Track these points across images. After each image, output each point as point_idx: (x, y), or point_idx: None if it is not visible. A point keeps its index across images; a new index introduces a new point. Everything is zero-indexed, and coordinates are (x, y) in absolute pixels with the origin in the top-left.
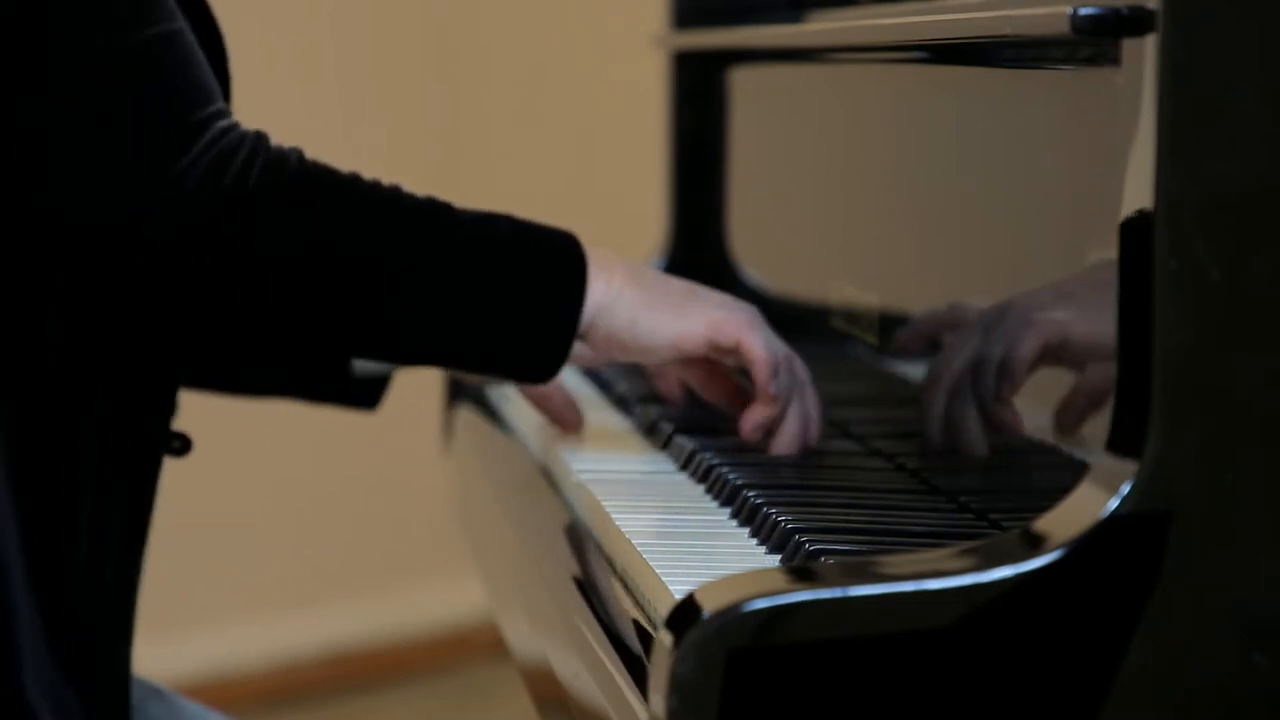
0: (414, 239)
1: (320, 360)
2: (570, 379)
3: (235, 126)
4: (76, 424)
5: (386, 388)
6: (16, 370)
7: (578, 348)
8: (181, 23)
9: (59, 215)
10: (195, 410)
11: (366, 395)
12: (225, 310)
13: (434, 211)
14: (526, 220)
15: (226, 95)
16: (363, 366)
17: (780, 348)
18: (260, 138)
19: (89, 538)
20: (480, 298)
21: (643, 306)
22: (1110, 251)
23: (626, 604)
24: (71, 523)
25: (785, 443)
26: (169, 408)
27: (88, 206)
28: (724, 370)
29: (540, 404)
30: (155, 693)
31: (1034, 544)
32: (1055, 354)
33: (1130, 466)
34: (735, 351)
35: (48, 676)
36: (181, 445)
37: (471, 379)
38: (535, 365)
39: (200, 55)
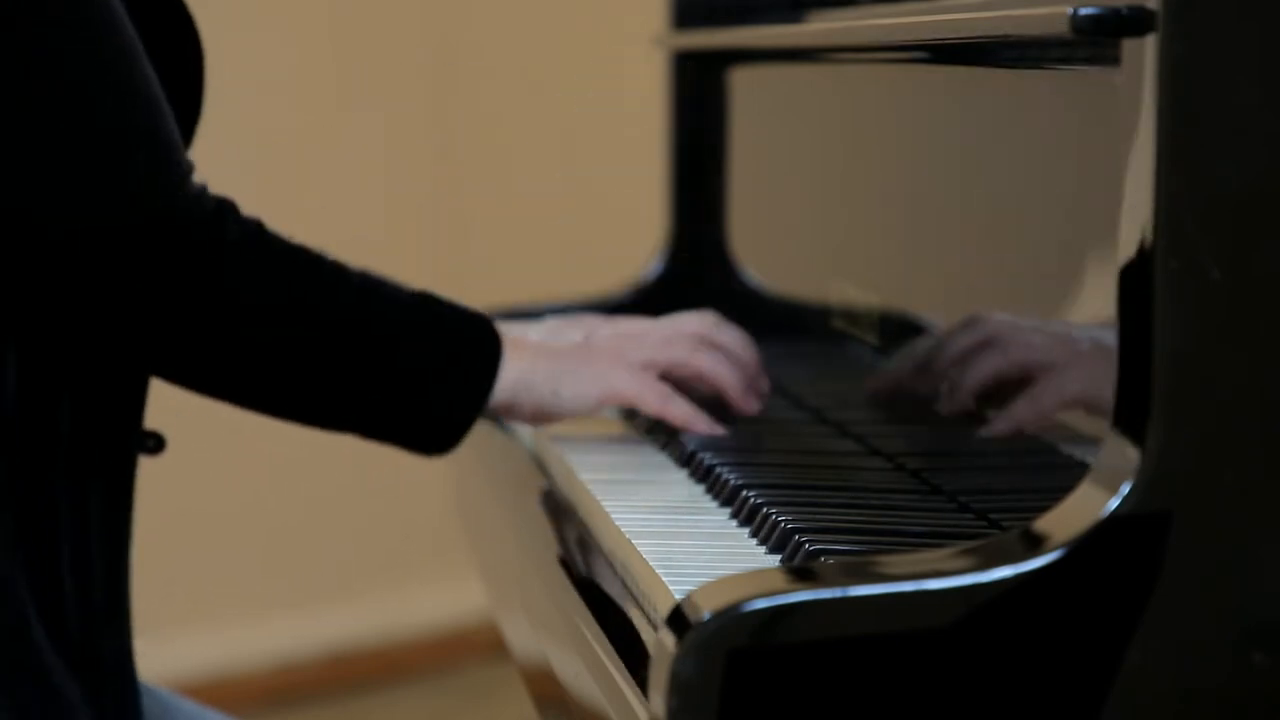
0: (354, 310)
1: (248, 408)
2: None
3: (202, 180)
4: (45, 430)
5: None
6: None
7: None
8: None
9: (37, 222)
10: (195, 410)
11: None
12: (177, 345)
13: (375, 287)
14: (455, 305)
15: (199, 110)
16: None
17: (678, 405)
18: (229, 200)
19: (70, 538)
20: (398, 373)
21: (560, 376)
22: (1110, 252)
23: (626, 604)
24: (53, 523)
25: (737, 403)
26: (136, 410)
27: (72, 218)
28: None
29: None
30: (157, 695)
31: (1034, 544)
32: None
33: (1130, 466)
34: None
35: (51, 665)
36: (155, 444)
37: None
38: (434, 441)
39: (163, 97)
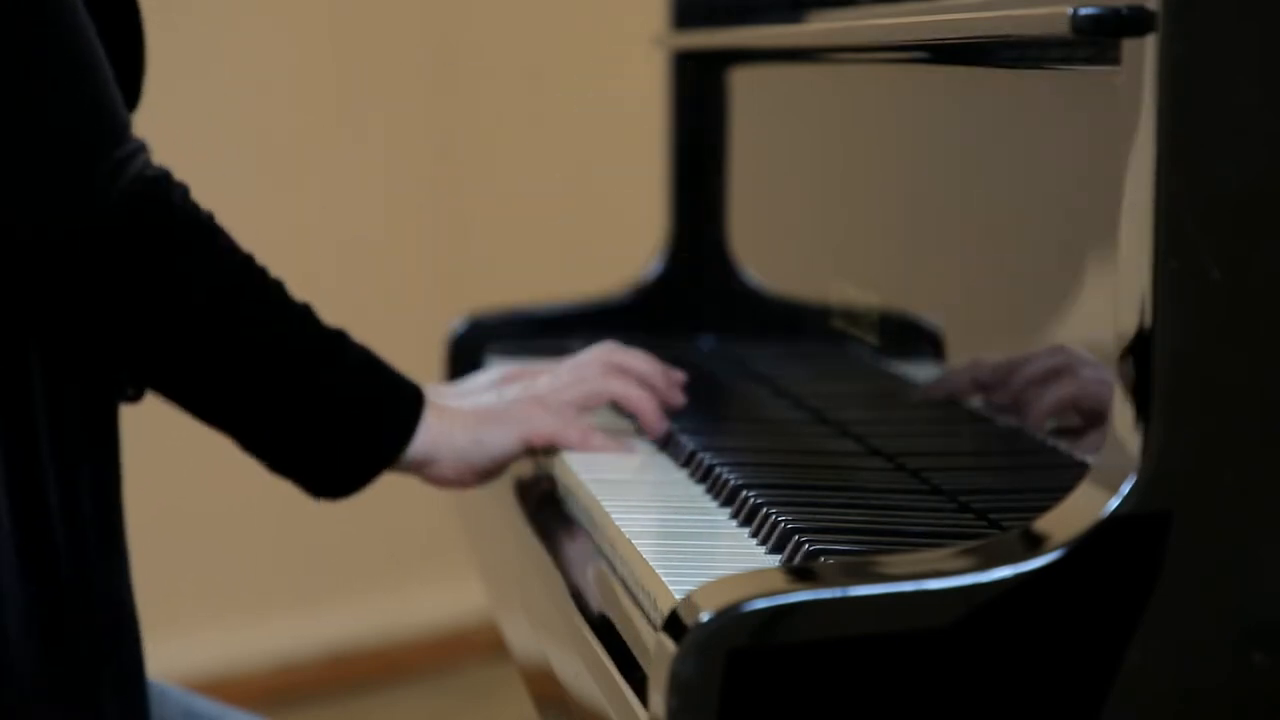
0: (286, 321)
1: (172, 402)
2: None
3: (145, 148)
4: (22, 381)
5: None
6: None
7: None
8: (91, 31)
9: None
10: None
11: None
12: (105, 318)
13: (310, 312)
14: (384, 360)
15: (139, 92)
16: None
17: (587, 435)
18: (182, 185)
19: (56, 477)
20: (318, 397)
21: (480, 426)
22: (1110, 252)
23: (626, 604)
24: (37, 464)
25: (651, 425)
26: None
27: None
28: None
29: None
30: (155, 688)
31: (1034, 544)
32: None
33: (1130, 466)
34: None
35: (32, 611)
36: (135, 392)
37: None
38: (334, 484)
39: (107, 67)
